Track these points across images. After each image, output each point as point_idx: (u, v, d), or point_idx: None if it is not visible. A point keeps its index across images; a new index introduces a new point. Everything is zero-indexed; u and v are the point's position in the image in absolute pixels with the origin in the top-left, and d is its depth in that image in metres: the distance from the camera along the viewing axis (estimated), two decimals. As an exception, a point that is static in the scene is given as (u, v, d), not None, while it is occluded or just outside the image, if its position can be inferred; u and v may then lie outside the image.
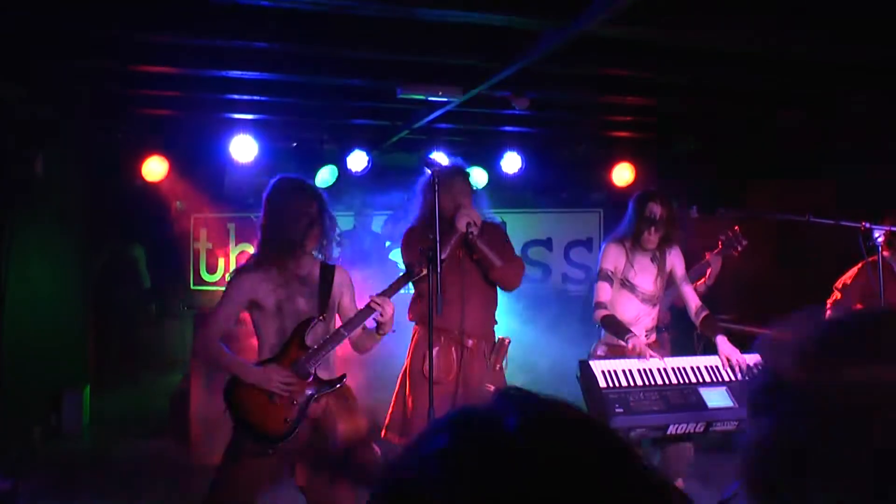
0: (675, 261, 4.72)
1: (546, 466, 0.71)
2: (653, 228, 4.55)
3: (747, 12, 4.11)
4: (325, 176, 7.82)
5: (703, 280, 5.13)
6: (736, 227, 4.97)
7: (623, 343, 4.36)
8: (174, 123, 7.12)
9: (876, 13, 4.18)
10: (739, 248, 4.97)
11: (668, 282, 4.76)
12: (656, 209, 4.55)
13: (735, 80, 5.52)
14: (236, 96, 6.01)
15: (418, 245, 4.23)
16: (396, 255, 8.10)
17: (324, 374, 3.60)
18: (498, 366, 4.47)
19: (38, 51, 5.02)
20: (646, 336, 4.62)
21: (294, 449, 3.52)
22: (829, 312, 4.92)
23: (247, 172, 7.25)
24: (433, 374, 4.09)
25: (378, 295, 3.65)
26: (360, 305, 3.70)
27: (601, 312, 4.55)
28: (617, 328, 4.45)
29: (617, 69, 5.23)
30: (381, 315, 3.61)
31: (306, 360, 3.53)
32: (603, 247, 4.81)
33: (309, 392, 3.54)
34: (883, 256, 4.44)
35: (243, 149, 7.06)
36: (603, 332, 4.66)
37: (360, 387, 4.70)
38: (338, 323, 3.73)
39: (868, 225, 4.17)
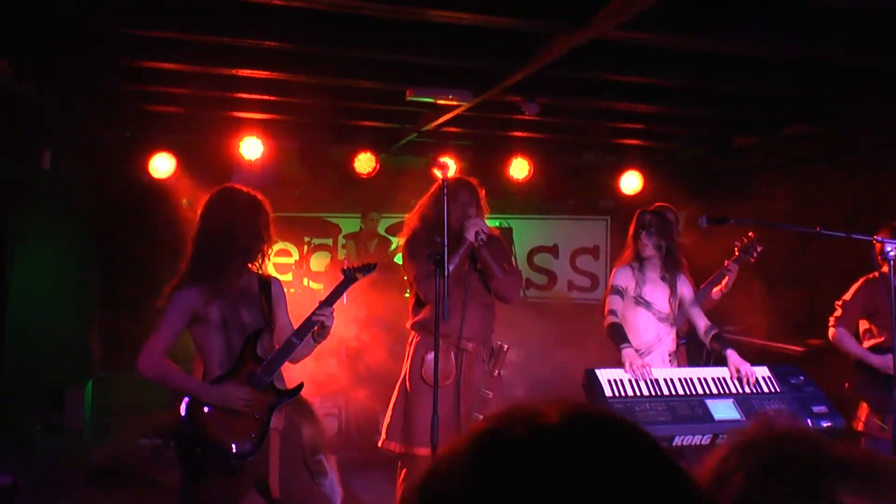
0: (685, 289, 4.81)
1: (591, 473, 0.71)
2: (644, 234, 4.70)
3: (763, 17, 4.07)
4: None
5: (719, 288, 5.13)
6: (751, 234, 4.98)
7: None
8: (182, 121, 7.10)
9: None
10: (756, 254, 4.99)
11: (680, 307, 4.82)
12: (646, 217, 4.78)
13: (749, 86, 5.48)
14: (245, 95, 5.98)
15: (424, 250, 4.22)
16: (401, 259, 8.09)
17: (279, 385, 3.56)
18: (497, 372, 4.45)
19: (46, 46, 5.01)
20: (669, 361, 4.61)
21: (263, 461, 3.45)
22: (832, 330, 4.90)
23: (254, 171, 7.23)
24: (431, 377, 4.08)
25: (320, 305, 3.62)
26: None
27: (610, 319, 4.59)
28: (616, 336, 4.46)
29: (628, 75, 5.20)
30: (324, 326, 3.58)
31: (262, 371, 3.47)
32: (612, 272, 4.92)
33: (269, 404, 3.48)
34: (882, 273, 4.42)
35: (251, 148, 7.05)
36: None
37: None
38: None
39: (881, 238, 4.12)
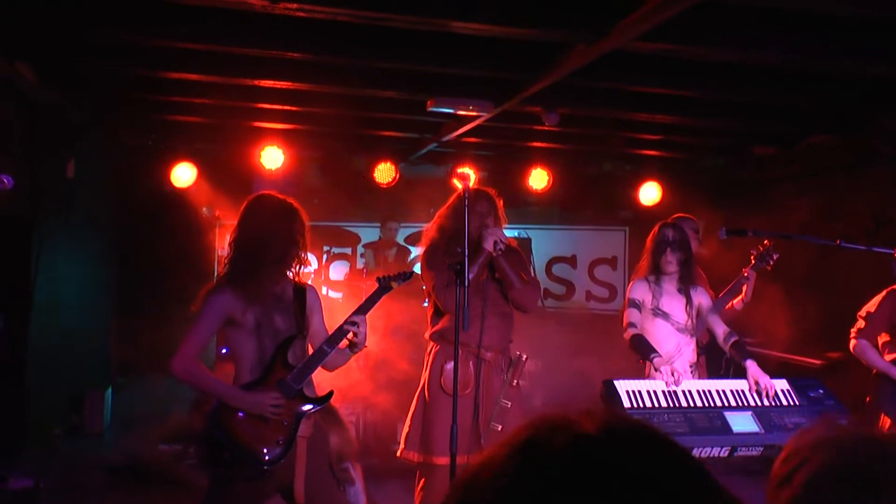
0: (702, 298, 4.80)
1: (633, 481, 0.73)
2: (668, 250, 4.68)
3: (782, 27, 4.08)
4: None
5: (740, 297, 5.17)
6: (767, 241, 5.02)
7: (649, 363, 4.37)
8: (204, 131, 7.17)
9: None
10: (772, 262, 5.05)
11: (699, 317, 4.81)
12: (668, 232, 4.73)
13: (768, 97, 5.48)
14: (266, 105, 6.03)
15: (443, 260, 4.24)
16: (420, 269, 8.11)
17: (308, 392, 3.57)
18: (515, 381, 4.45)
19: (72, 56, 5.08)
20: (690, 372, 4.60)
21: (289, 467, 3.46)
22: (854, 342, 4.88)
23: (275, 181, 7.29)
24: (450, 387, 4.09)
25: (353, 314, 3.63)
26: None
27: (631, 331, 4.58)
28: (644, 348, 4.44)
29: (648, 86, 5.21)
30: (355, 335, 3.59)
31: (292, 379, 3.47)
32: (629, 286, 4.91)
33: (299, 411, 3.49)
34: None
35: (272, 158, 7.10)
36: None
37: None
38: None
39: (902, 251, 4.11)
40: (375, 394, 6.83)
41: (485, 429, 4.30)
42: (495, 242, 4.23)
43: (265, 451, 3.40)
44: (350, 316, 3.61)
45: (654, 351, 4.39)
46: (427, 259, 4.48)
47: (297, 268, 3.63)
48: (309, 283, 3.81)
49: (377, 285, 3.85)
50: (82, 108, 6.28)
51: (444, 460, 4.14)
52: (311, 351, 3.64)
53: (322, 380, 3.73)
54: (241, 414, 3.41)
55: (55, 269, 6.66)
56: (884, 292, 4.84)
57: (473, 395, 4.33)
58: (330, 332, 3.64)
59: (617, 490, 0.72)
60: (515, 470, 0.76)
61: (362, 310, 3.67)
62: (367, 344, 3.68)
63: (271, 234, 3.51)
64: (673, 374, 4.15)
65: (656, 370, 4.28)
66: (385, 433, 6.86)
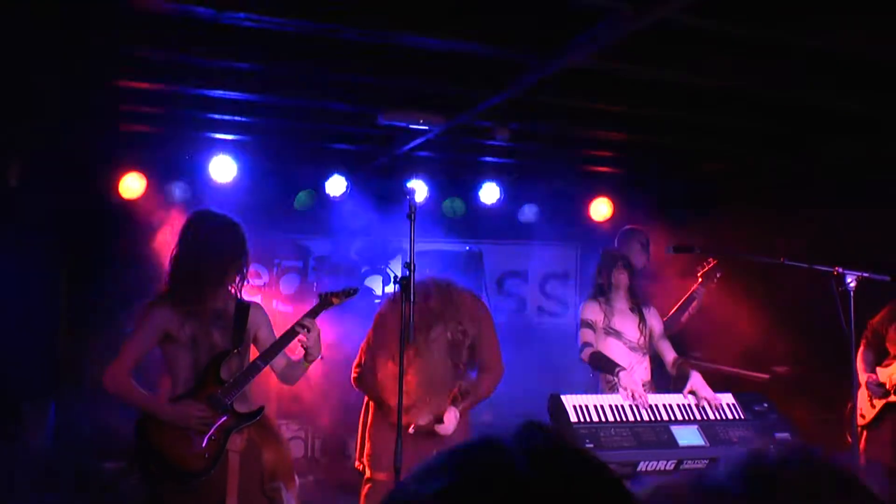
0: (654, 321, 4.92)
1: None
2: (615, 270, 4.88)
3: (733, 50, 4.15)
4: (304, 200, 7.78)
5: (687, 313, 5.40)
6: (711, 260, 5.30)
7: (612, 378, 4.42)
8: (153, 140, 7.06)
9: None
10: (716, 280, 5.36)
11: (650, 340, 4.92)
12: (613, 254, 5.03)
13: (718, 118, 5.57)
14: (217, 115, 5.97)
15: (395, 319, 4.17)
16: (372, 282, 8.08)
17: (242, 408, 3.55)
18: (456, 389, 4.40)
19: (17, 63, 4.97)
20: (644, 390, 4.64)
21: (221, 482, 3.44)
22: (862, 349, 5.16)
23: (226, 192, 7.21)
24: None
25: (295, 324, 3.63)
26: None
27: (588, 350, 4.63)
28: (606, 364, 4.50)
29: (599, 103, 5.26)
30: (307, 338, 3.58)
31: (223, 394, 3.46)
32: (580, 306, 5.01)
33: (227, 426, 3.46)
34: None
35: (223, 169, 7.02)
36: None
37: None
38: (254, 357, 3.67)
39: (841, 270, 4.20)
40: (324, 407, 6.78)
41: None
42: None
43: (190, 465, 3.38)
44: (300, 319, 3.60)
45: (618, 365, 4.44)
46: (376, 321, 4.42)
47: (240, 283, 3.61)
48: (256, 299, 3.79)
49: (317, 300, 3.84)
50: (27, 114, 6.15)
51: (386, 476, 4.12)
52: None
53: (272, 392, 3.70)
54: (162, 426, 3.39)
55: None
56: (890, 304, 5.16)
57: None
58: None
59: None
60: (447, 482, 0.75)
61: (301, 322, 3.65)
62: (322, 355, 3.66)
63: (210, 251, 3.49)
64: (634, 398, 4.18)
65: (616, 386, 4.32)
66: (332, 447, 6.81)
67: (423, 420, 4.08)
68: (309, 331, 3.58)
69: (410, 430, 3.99)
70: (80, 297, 7.63)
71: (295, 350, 3.72)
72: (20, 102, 5.83)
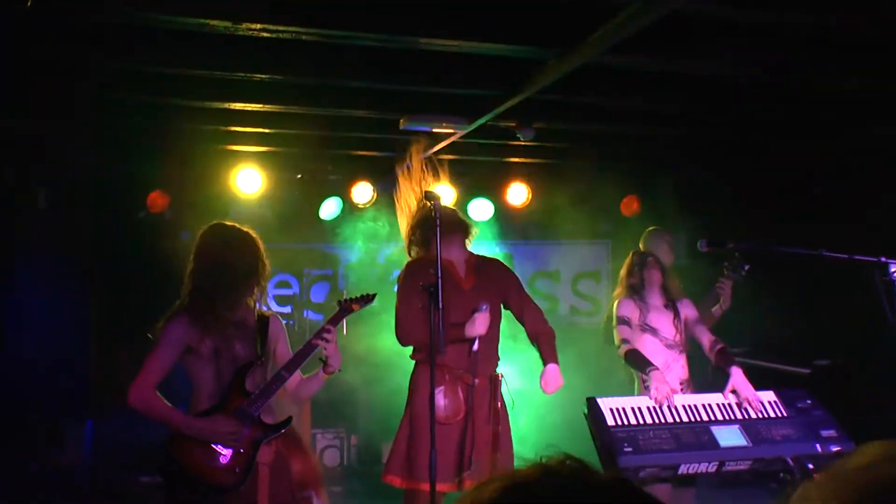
0: (688, 310, 4.85)
1: None
2: (646, 268, 4.84)
3: (754, 41, 4.04)
4: (332, 208, 7.76)
5: (717, 305, 5.30)
6: (736, 253, 5.16)
7: (645, 377, 4.34)
8: (177, 156, 7.08)
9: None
10: (744, 272, 5.23)
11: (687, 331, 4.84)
12: (643, 255, 4.98)
13: (742, 108, 5.46)
14: (239, 128, 5.96)
15: (419, 279, 4.16)
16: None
17: (268, 419, 3.51)
18: (499, 403, 4.38)
19: (42, 84, 4.99)
20: (681, 388, 4.56)
21: (251, 495, 3.40)
22: None
23: (251, 205, 7.21)
24: (441, 414, 4.03)
25: (313, 336, 3.59)
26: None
27: (625, 347, 4.57)
28: (640, 362, 4.43)
29: (622, 99, 5.17)
30: (325, 349, 3.53)
31: (249, 405, 3.42)
32: (613, 304, 4.96)
33: (255, 438, 3.43)
34: None
35: (248, 181, 7.01)
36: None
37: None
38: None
39: (884, 259, 4.05)
40: (359, 416, 6.74)
41: (476, 457, 4.24)
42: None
43: (218, 480, 3.35)
44: (317, 332, 3.56)
45: (651, 364, 4.37)
46: (403, 276, 4.43)
47: (258, 295, 3.58)
48: (286, 309, 3.77)
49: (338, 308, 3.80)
50: (53, 135, 6.18)
51: (428, 486, 4.06)
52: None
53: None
54: (191, 443, 3.35)
55: (29, 300, 6.54)
56: None
57: (462, 423, 4.26)
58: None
59: None
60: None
61: (321, 332, 3.61)
62: (339, 368, 3.61)
63: (225, 264, 3.47)
64: (660, 394, 4.09)
65: (647, 386, 4.23)
66: (367, 456, 6.77)
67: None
68: (328, 341, 3.53)
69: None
70: (110, 313, 7.67)
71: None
72: (48, 126, 5.87)
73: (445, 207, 4.46)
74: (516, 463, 4.33)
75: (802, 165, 6.73)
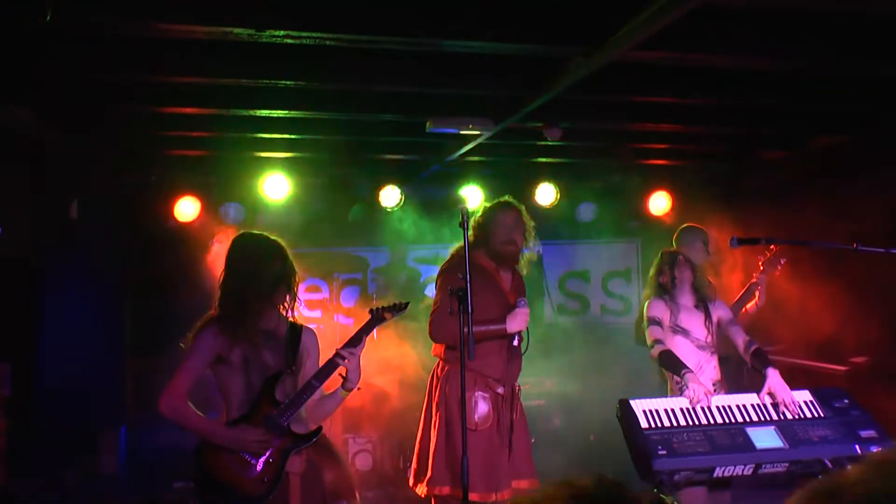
0: (720, 311, 4.77)
1: None
2: (677, 268, 4.75)
3: (781, 33, 3.97)
4: (358, 212, 7.77)
5: (753, 302, 5.20)
6: (773, 247, 5.10)
7: (680, 379, 4.27)
8: (205, 163, 7.12)
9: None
10: (780, 267, 5.19)
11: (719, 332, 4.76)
12: (673, 254, 4.87)
13: (771, 102, 5.37)
14: (266, 135, 5.98)
15: (450, 283, 4.14)
16: (433, 291, 8.02)
17: (298, 429, 3.50)
18: (516, 414, 4.42)
19: (71, 96, 5.04)
20: (714, 389, 4.49)
21: (282, 502, 3.41)
22: None
23: (280, 210, 7.24)
24: (473, 420, 4.02)
25: (344, 346, 3.56)
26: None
27: (658, 348, 4.49)
28: (674, 364, 4.36)
29: (649, 96, 5.11)
30: (347, 364, 3.51)
31: (278, 415, 3.42)
32: (644, 304, 4.90)
33: (284, 448, 3.42)
34: None
35: (276, 186, 7.05)
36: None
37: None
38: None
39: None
40: (389, 422, 6.73)
41: (517, 461, 4.25)
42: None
43: (249, 489, 3.35)
44: (340, 348, 3.55)
45: (685, 366, 4.30)
46: (440, 281, 4.44)
47: (290, 303, 3.57)
48: (316, 314, 3.76)
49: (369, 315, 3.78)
50: (81, 147, 6.24)
51: (475, 496, 4.06)
52: None
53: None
54: (220, 451, 3.36)
55: (63, 310, 6.61)
56: None
57: (491, 430, 4.25)
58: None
59: None
60: None
61: (353, 342, 3.60)
62: (359, 385, 3.60)
63: (252, 273, 3.47)
64: (695, 395, 4.03)
65: (683, 387, 4.17)
66: (399, 461, 6.76)
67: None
68: (346, 359, 3.52)
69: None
70: (143, 322, 7.75)
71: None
72: (79, 139, 5.92)
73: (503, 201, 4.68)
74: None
75: (836, 159, 6.62)
